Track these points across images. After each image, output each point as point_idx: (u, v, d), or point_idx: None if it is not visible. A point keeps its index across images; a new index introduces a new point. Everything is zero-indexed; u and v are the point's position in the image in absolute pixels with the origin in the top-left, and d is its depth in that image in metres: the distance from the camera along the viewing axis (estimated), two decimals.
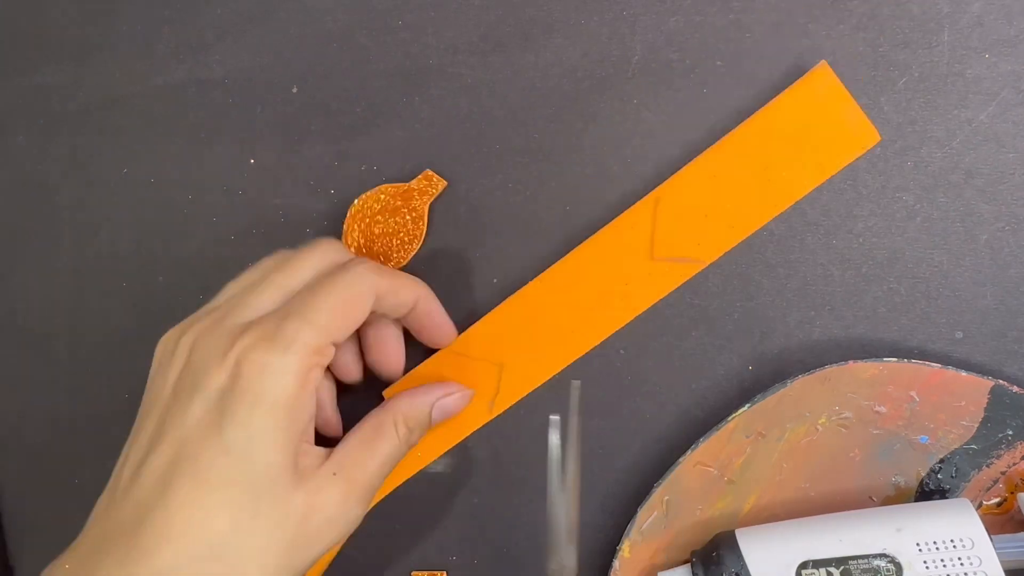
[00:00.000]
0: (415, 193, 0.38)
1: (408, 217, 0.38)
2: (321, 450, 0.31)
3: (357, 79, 0.40)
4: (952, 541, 0.29)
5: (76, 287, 0.41)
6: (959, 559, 0.29)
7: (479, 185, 0.39)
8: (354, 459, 0.31)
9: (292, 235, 0.40)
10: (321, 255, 0.33)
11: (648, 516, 0.34)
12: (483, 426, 0.37)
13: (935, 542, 0.30)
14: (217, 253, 0.40)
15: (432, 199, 0.38)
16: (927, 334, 0.35)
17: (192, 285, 0.40)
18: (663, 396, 0.36)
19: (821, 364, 0.34)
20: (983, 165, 0.35)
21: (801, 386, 0.34)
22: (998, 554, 0.29)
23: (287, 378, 0.29)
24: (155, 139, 0.41)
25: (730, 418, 0.34)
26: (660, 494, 0.34)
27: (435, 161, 0.39)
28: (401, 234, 0.38)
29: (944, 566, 0.29)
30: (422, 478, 0.37)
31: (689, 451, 0.34)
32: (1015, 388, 0.33)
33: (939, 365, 0.33)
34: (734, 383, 0.36)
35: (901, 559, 0.30)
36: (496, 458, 0.37)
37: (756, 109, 0.37)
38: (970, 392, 0.33)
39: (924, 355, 0.35)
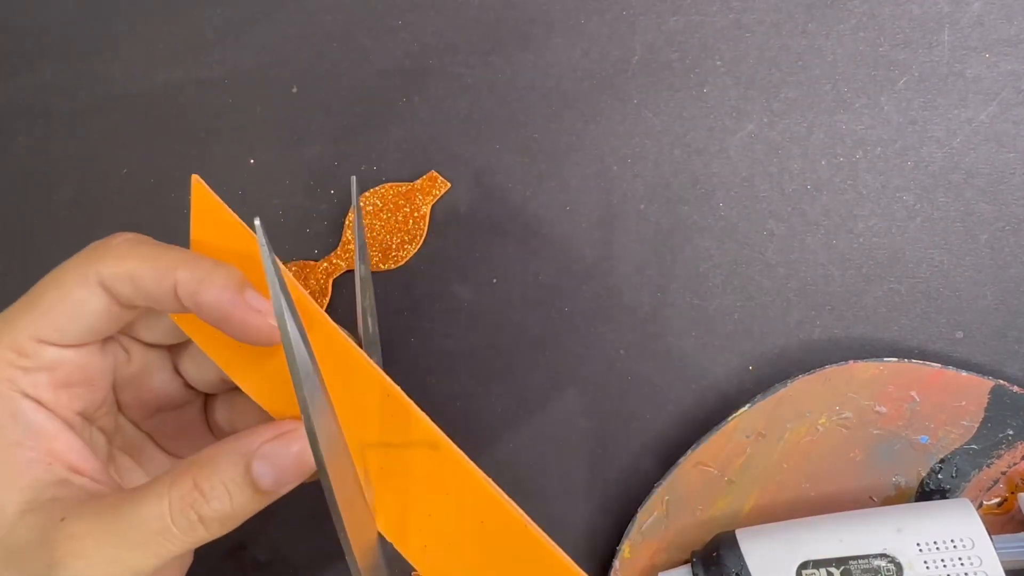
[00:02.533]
0: (418, 193, 0.38)
1: (410, 217, 0.38)
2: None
3: (357, 79, 0.40)
4: (952, 541, 0.29)
5: None
6: (959, 559, 0.29)
7: (479, 185, 0.39)
8: (77, 533, 0.23)
9: (292, 235, 0.40)
10: None
11: (648, 516, 0.34)
12: (482, 430, 0.37)
13: (935, 542, 0.29)
14: None
15: (435, 200, 0.38)
16: (927, 334, 0.35)
17: None
18: (663, 396, 0.36)
19: (821, 364, 0.34)
20: (983, 165, 0.35)
21: (801, 386, 0.34)
22: (998, 554, 0.29)
23: None
24: (155, 139, 0.41)
25: (730, 418, 0.34)
26: (660, 494, 0.34)
27: (435, 161, 0.39)
28: (401, 233, 0.38)
29: (944, 566, 0.29)
30: None
31: (689, 451, 0.34)
32: (1015, 388, 0.33)
33: (939, 365, 0.33)
34: (734, 383, 0.36)
35: (901, 559, 0.29)
36: (495, 459, 0.37)
37: (755, 110, 0.37)
38: (970, 392, 0.33)
39: (924, 355, 0.35)
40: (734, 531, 0.32)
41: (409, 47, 0.40)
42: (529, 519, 0.24)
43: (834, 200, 0.36)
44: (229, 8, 0.42)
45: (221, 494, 0.23)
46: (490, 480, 0.25)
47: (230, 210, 0.27)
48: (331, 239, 0.39)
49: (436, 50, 0.40)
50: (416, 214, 0.38)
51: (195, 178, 0.27)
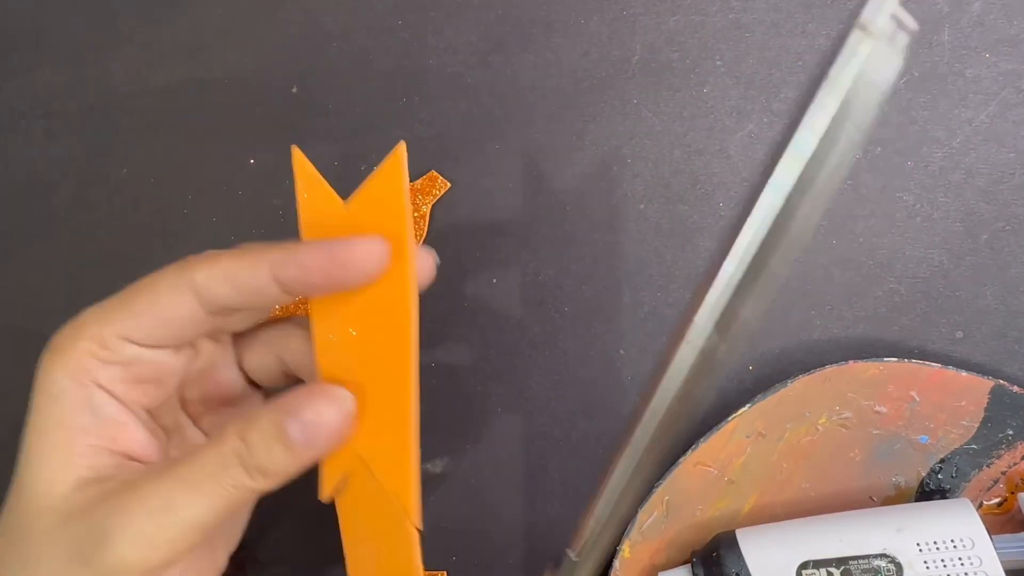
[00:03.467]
0: (418, 193, 0.38)
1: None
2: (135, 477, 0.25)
3: (357, 79, 0.40)
4: (952, 541, 0.29)
5: (76, 287, 0.41)
6: (959, 559, 0.29)
7: (479, 185, 0.39)
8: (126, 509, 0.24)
9: (292, 235, 0.39)
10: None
11: (648, 516, 0.34)
12: (482, 429, 0.37)
13: (935, 542, 0.29)
14: None
15: (435, 200, 0.38)
16: (927, 334, 0.35)
17: None
18: None
19: (821, 364, 0.34)
20: (983, 165, 0.35)
21: (801, 386, 0.34)
22: (998, 554, 0.29)
23: (51, 388, 0.26)
24: (155, 139, 0.41)
25: (730, 418, 0.34)
26: (660, 494, 0.34)
27: (435, 161, 0.39)
28: None
29: (944, 566, 0.29)
30: (422, 478, 0.37)
31: (689, 451, 0.34)
32: (1015, 388, 0.33)
33: (939, 365, 0.33)
34: (734, 383, 0.36)
35: (901, 559, 0.29)
36: (496, 459, 0.37)
37: (755, 110, 0.37)
38: (970, 392, 0.33)
39: (924, 355, 0.35)
40: (734, 531, 0.32)
41: (409, 47, 0.40)
42: None
43: (834, 200, 0.36)
44: (229, 8, 0.42)
45: (261, 449, 0.25)
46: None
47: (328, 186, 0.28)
48: None
49: (436, 50, 0.40)
50: (416, 214, 0.38)
51: (295, 150, 0.28)
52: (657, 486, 0.34)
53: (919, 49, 0.36)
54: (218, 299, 0.26)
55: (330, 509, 0.38)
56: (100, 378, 0.26)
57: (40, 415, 0.26)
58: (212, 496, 0.24)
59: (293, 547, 0.38)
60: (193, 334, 0.27)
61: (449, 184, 0.38)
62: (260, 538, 0.38)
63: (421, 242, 0.38)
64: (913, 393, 0.33)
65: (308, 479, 0.39)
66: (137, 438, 0.27)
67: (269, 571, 0.37)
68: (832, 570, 0.30)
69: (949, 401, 0.33)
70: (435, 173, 0.38)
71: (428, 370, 0.38)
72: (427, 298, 0.38)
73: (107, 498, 0.24)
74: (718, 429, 0.34)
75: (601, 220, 0.37)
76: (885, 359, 0.33)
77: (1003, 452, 0.33)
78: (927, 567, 0.29)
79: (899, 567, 0.29)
